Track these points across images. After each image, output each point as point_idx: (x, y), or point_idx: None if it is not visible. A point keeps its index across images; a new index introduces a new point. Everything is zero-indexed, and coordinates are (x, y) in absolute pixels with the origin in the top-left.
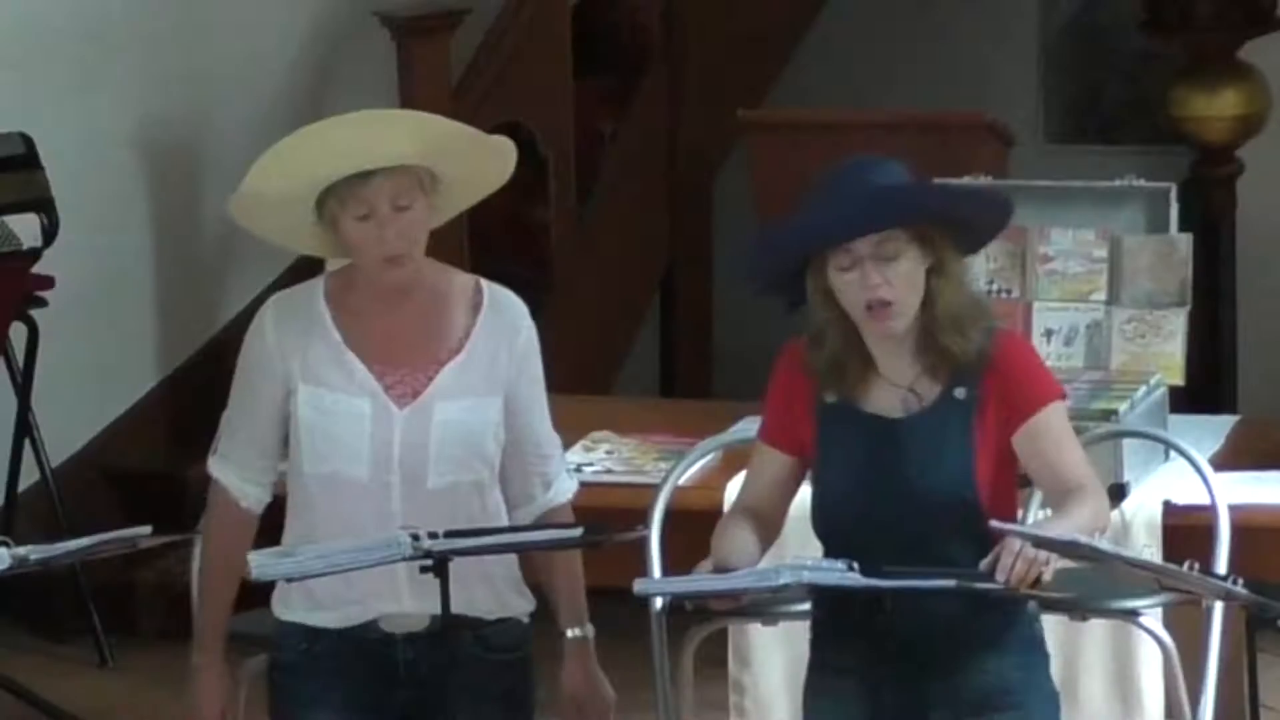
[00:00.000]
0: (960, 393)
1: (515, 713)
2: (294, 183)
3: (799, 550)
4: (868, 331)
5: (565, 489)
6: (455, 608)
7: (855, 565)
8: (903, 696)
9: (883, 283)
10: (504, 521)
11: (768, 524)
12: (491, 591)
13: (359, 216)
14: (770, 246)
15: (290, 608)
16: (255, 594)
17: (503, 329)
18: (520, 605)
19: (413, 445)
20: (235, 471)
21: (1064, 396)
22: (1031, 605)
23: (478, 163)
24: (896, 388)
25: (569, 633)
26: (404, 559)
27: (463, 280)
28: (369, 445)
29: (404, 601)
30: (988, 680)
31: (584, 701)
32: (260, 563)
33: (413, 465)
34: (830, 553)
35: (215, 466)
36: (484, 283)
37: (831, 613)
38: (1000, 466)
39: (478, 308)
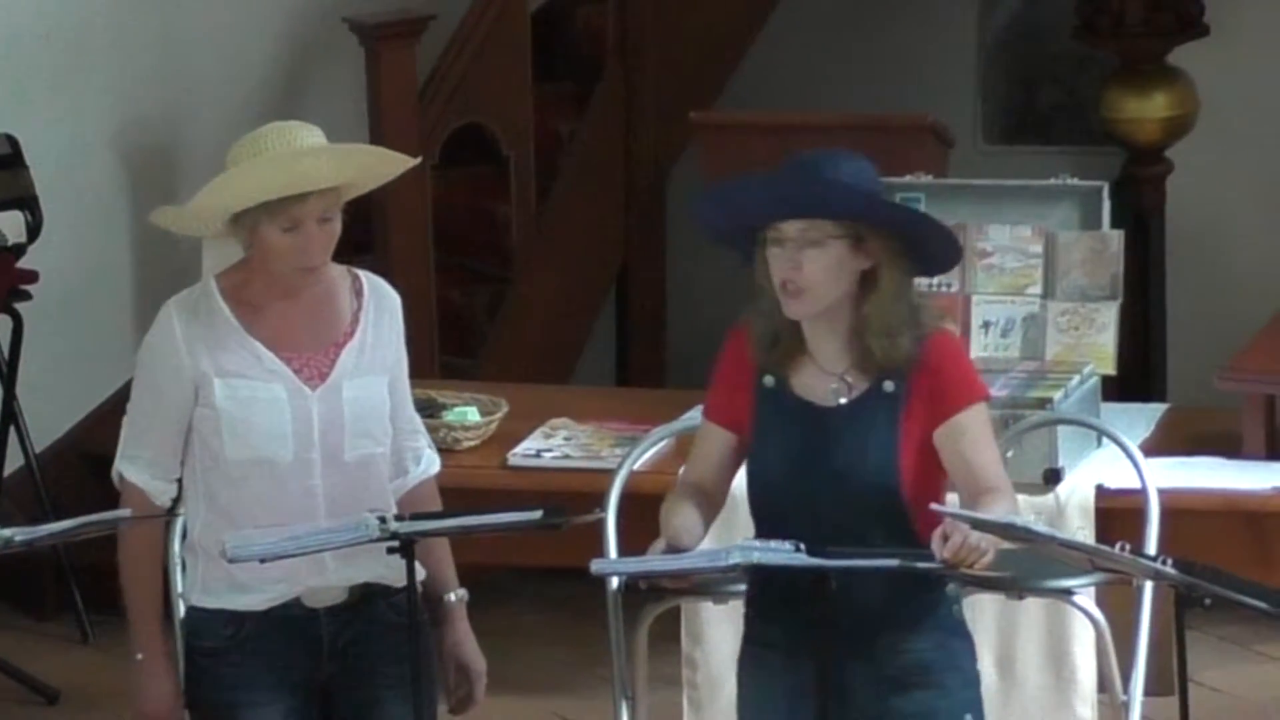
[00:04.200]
0: (889, 386)
1: (428, 671)
2: (234, 201)
3: (749, 527)
4: (783, 308)
5: (433, 463)
6: (369, 578)
7: (802, 546)
8: (823, 673)
9: (797, 267)
10: (388, 489)
11: (711, 499)
12: (397, 560)
13: (285, 228)
14: (712, 208)
15: (212, 594)
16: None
17: (385, 311)
18: (420, 573)
19: (330, 423)
20: (147, 471)
21: (988, 399)
22: (951, 589)
23: (379, 171)
24: (829, 375)
25: (449, 596)
26: (372, 540)
27: (339, 269)
28: (291, 427)
29: (328, 574)
30: (907, 659)
31: (465, 660)
32: (235, 545)
33: (331, 441)
34: (763, 532)
35: (127, 471)
36: (358, 271)
37: (761, 591)
38: (924, 460)
39: (360, 293)
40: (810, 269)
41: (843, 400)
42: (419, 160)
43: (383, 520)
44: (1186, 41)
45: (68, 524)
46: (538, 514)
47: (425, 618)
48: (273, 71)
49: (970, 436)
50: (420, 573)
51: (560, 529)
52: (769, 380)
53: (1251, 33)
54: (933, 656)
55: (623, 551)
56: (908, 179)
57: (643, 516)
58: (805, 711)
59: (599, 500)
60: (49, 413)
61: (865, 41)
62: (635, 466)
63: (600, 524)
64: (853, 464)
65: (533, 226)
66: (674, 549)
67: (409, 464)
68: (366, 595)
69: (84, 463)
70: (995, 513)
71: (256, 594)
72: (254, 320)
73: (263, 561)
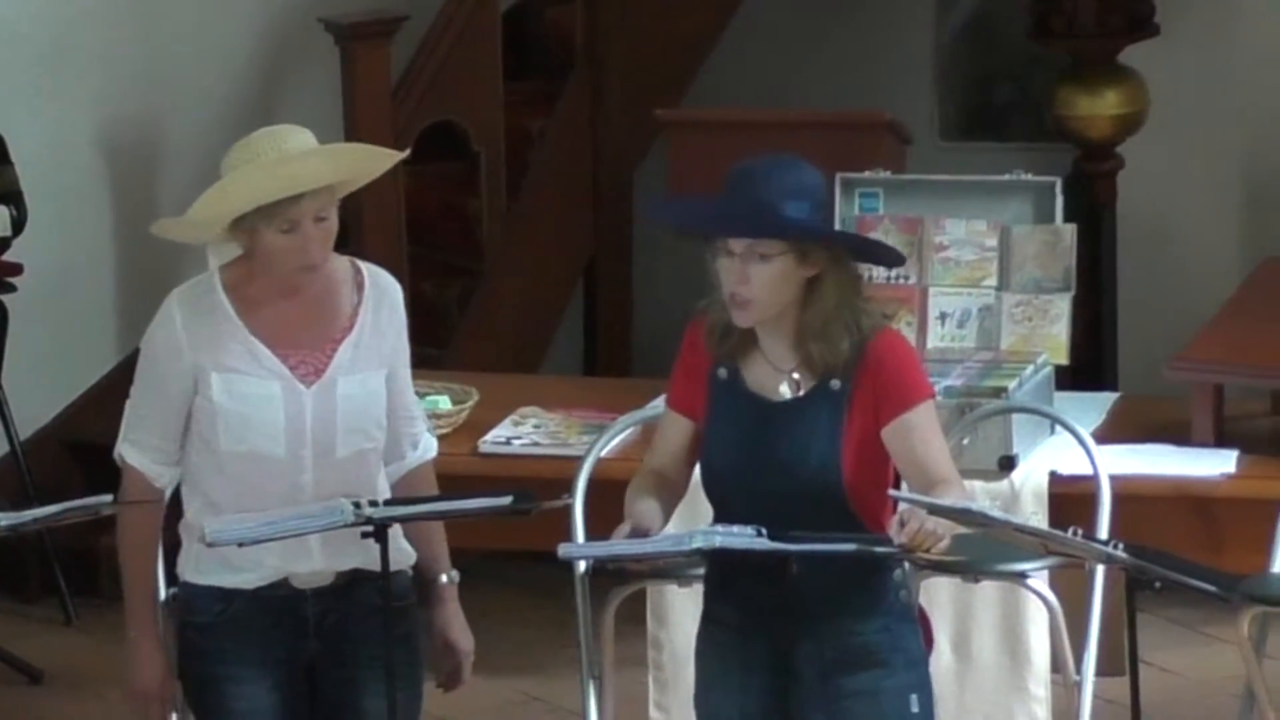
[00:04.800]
0: (835, 384)
1: (412, 654)
2: (231, 207)
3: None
4: (732, 317)
5: (430, 447)
6: (355, 564)
7: (764, 531)
8: (774, 651)
9: (744, 281)
10: (383, 478)
11: (671, 485)
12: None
13: (283, 230)
14: (671, 216)
15: (204, 572)
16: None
17: (385, 306)
18: (404, 559)
19: (322, 420)
20: (148, 455)
21: (934, 396)
22: (898, 574)
23: (370, 167)
24: (779, 372)
25: (442, 578)
26: (347, 525)
27: (342, 262)
28: (283, 423)
29: (314, 559)
30: (853, 641)
31: (453, 640)
32: (214, 530)
33: (323, 438)
34: (717, 518)
35: (128, 454)
36: (360, 263)
37: (717, 572)
38: (866, 455)
39: (361, 287)
40: (756, 282)
41: (790, 396)
42: (406, 154)
43: (357, 506)
44: (1137, 41)
45: (52, 509)
46: (507, 500)
47: (413, 601)
48: (250, 70)
49: (919, 433)
50: (410, 556)
51: (529, 514)
52: (722, 372)
53: (1200, 33)
54: (879, 639)
55: (590, 536)
56: (867, 174)
57: (610, 502)
58: (757, 687)
59: (567, 486)
60: (33, 402)
61: (825, 41)
62: (602, 454)
63: (568, 509)
64: (796, 457)
65: (503, 221)
66: (638, 533)
67: (406, 449)
68: (354, 579)
69: (67, 450)
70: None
71: (246, 573)
72: (254, 316)
73: (241, 545)
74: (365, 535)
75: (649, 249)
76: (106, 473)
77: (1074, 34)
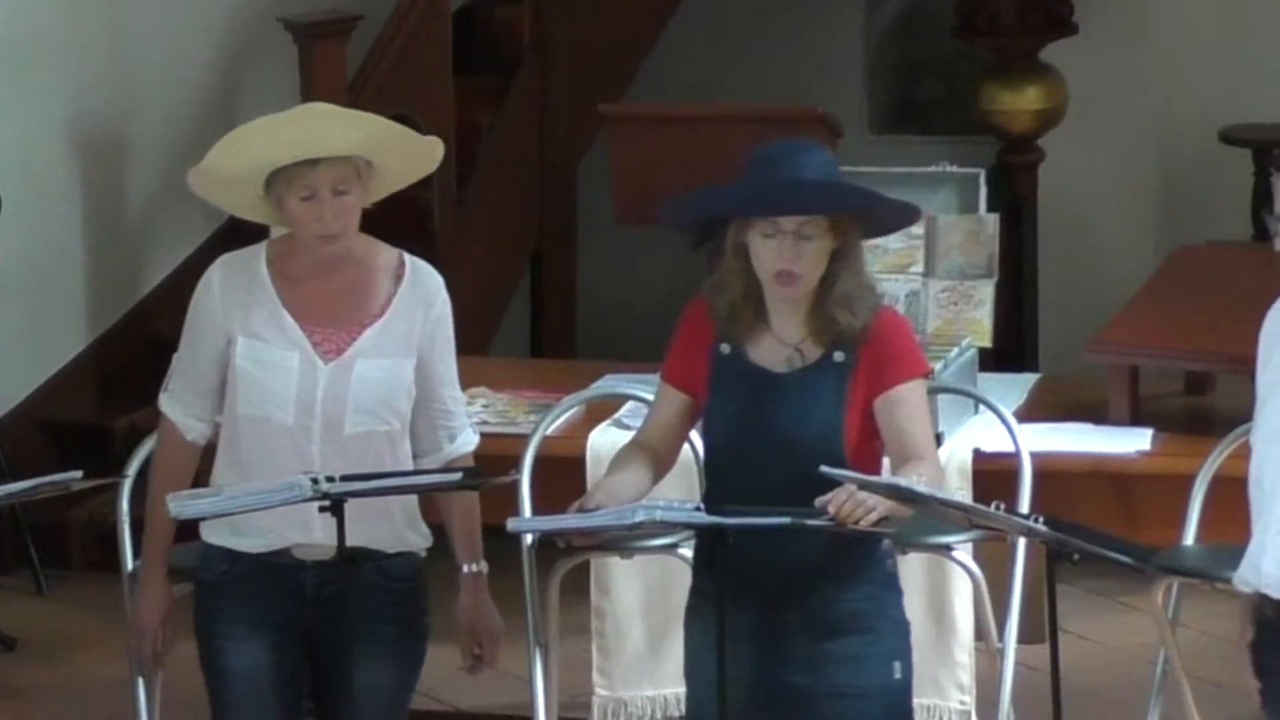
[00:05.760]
0: (839, 356)
1: (409, 634)
2: (248, 163)
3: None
4: (771, 293)
5: (467, 442)
6: (359, 542)
7: (702, 506)
8: (763, 620)
9: (795, 258)
10: (400, 463)
11: (659, 456)
12: (390, 528)
13: (303, 197)
14: (711, 199)
15: (216, 533)
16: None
17: (420, 299)
18: (416, 541)
19: (334, 396)
20: (180, 408)
21: (928, 375)
22: (885, 544)
23: (408, 156)
24: (784, 345)
25: (465, 568)
26: (304, 500)
27: (389, 254)
28: (295, 393)
29: (314, 534)
30: (841, 609)
31: (477, 630)
32: (178, 503)
33: (332, 413)
34: (716, 489)
35: (164, 403)
36: (408, 258)
37: (705, 545)
38: (867, 425)
39: (400, 279)
40: (806, 259)
41: (795, 367)
42: (437, 141)
43: (315, 481)
44: (1056, 39)
45: (24, 485)
46: (458, 475)
47: (420, 583)
48: (213, 68)
49: (906, 407)
50: (426, 539)
51: (479, 489)
52: (725, 347)
53: (1116, 32)
54: (866, 606)
55: (536, 511)
56: None
57: (555, 478)
58: (746, 654)
59: (514, 463)
60: (7, 383)
61: (761, 39)
62: (548, 432)
63: (515, 485)
64: (799, 426)
65: (453, 210)
66: (584, 510)
67: (443, 441)
68: (355, 556)
69: (39, 429)
70: (917, 476)
71: (251, 538)
72: (289, 290)
73: (201, 520)
74: (322, 510)
75: (593, 237)
76: (76, 450)
77: (997, 32)
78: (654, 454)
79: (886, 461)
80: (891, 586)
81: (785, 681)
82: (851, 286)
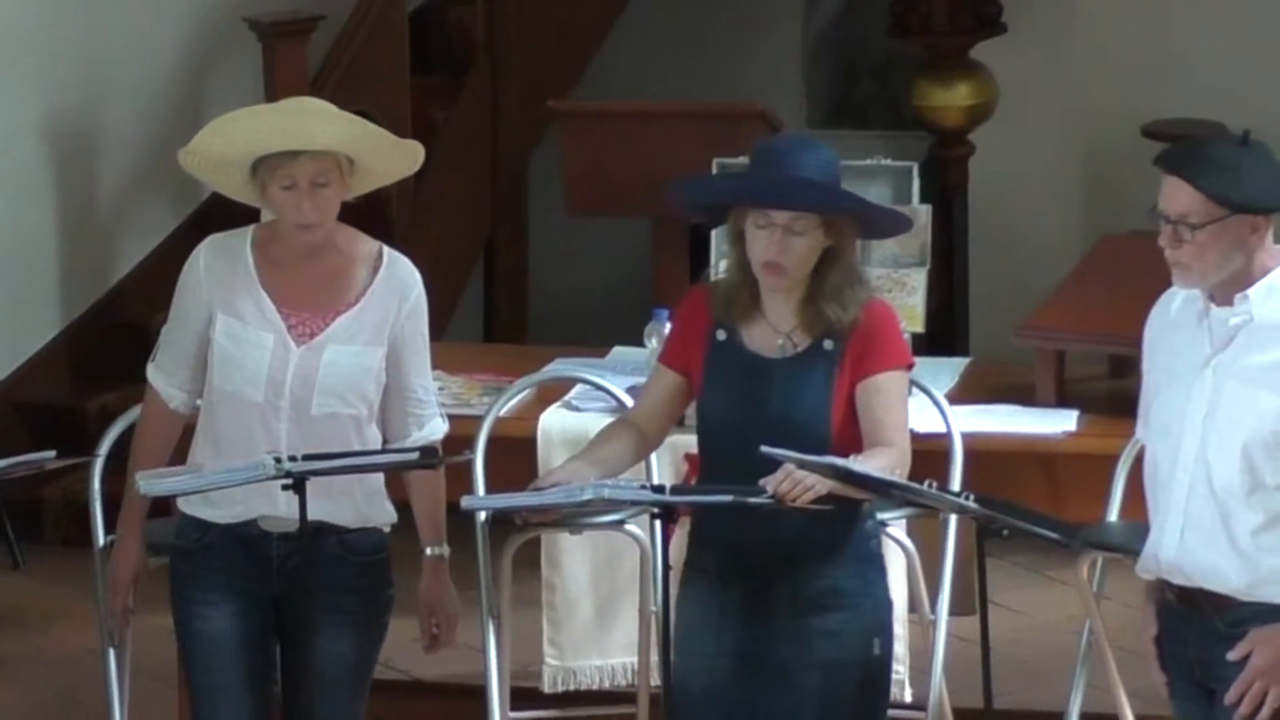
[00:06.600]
0: (829, 345)
1: (371, 606)
2: (234, 148)
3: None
4: (760, 281)
5: (435, 430)
6: (321, 517)
7: (649, 484)
8: (750, 594)
9: (783, 251)
10: (367, 444)
11: (644, 433)
12: (353, 505)
13: (284, 186)
14: (712, 186)
15: (190, 503)
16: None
17: (395, 290)
18: (379, 518)
19: (302, 377)
20: (165, 378)
21: (910, 367)
22: (870, 524)
23: (390, 156)
24: (777, 332)
25: (426, 550)
26: (267, 478)
27: (369, 246)
28: (266, 372)
29: (279, 506)
30: (825, 584)
31: (436, 611)
32: (148, 481)
33: (300, 394)
34: (710, 469)
35: (150, 372)
36: (387, 251)
37: (697, 523)
38: (853, 410)
39: (377, 270)
40: (793, 253)
41: (786, 354)
42: (417, 145)
43: (278, 460)
44: (986, 39)
45: (0, 463)
46: (414, 455)
47: (384, 556)
48: (180, 65)
49: (883, 396)
50: (390, 516)
51: (434, 468)
52: (721, 334)
53: (1043, 32)
54: (849, 583)
55: (489, 489)
56: (741, 159)
57: (508, 458)
58: (733, 627)
59: (469, 443)
60: None
61: (703, 38)
62: (501, 413)
63: (469, 464)
64: (789, 409)
65: (410, 202)
66: (538, 488)
67: (412, 428)
68: (319, 529)
69: (15, 410)
70: (878, 461)
71: (221, 509)
72: (270, 273)
73: (172, 497)
74: (285, 488)
75: (543, 227)
76: (50, 430)
77: (929, 32)
78: (640, 431)
79: None
80: (875, 565)
81: (770, 654)
82: (843, 283)
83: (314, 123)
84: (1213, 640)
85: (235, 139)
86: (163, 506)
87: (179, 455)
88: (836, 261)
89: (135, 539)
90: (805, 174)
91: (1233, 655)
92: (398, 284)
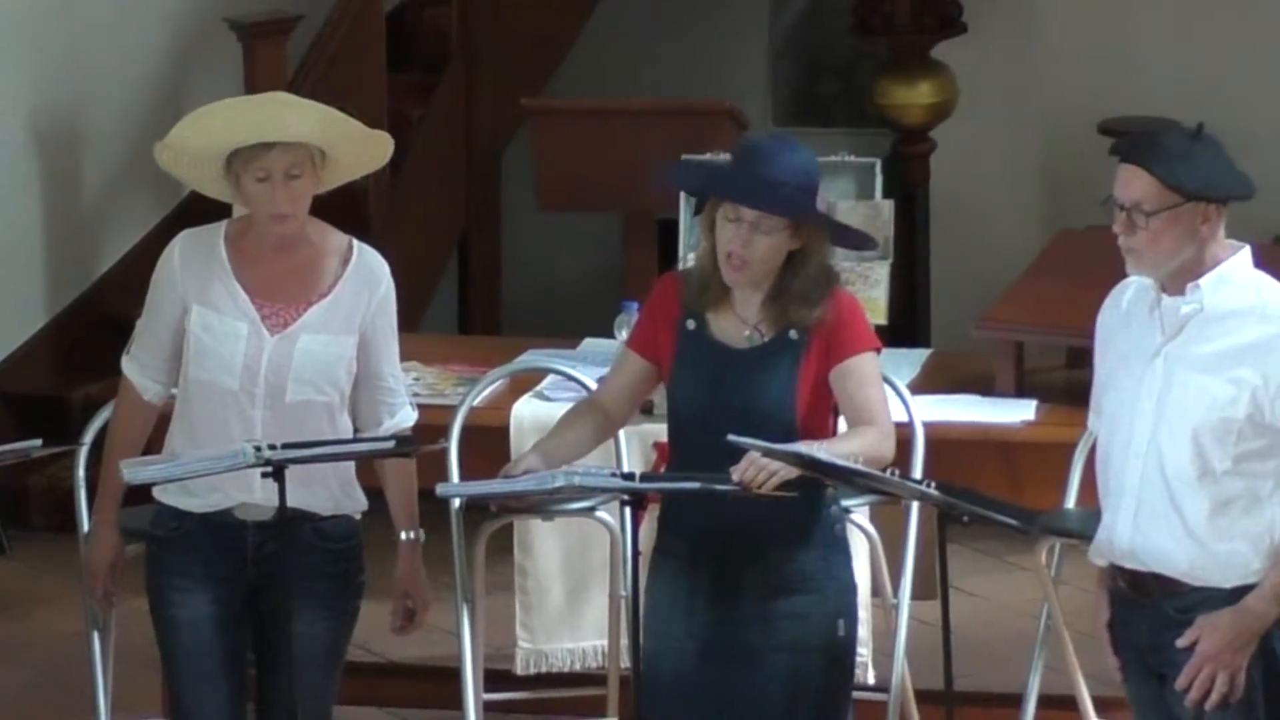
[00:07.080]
0: (794, 334)
1: (344, 591)
2: (209, 141)
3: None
4: (722, 272)
5: (406, 419)
6: (297, 504)
7: (618, 471)
8: (718, 578)
9: (745, 246)
10: (339, 432)
11: (609, 416)
12: (327, 493)
13: (258, 178)
14: (689, 175)
15: (167, 492)
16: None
17: (365, 281)
18: (352, 505)
19: (276, 366)
20: (139, 369)
21: (879, 350)
22: (834, 510)
23: (361, 148)
24: (744, 324)
25: (401, 535)
26: (248, 466)
27: (340, 239)
28: (241, 361)
29: (256, 495)
30: (791, 569)
31: (410, 594)
32: (131, 469)
33: (275, 382)
34: (680, 455)
35: (125, 364)
36: (357, 243)
37: (666, 509)
38: (817, 398)
39: (347, 262)
40: (757, 250)
41: (754, 344)
42: (387, 136)
43: (258, 449)
44: (947, 38)
45: None
46: (391, 443)
47: (357, 543)
48: (162, 64)
49: (857, 378)
50: (361, 503)
51: (410, 456)
52: (690, 323)
53: (1003, 31)
54: (814, 567)
55: (464, 476)
56: (708, 156)
57: (481, 446)
58: (702, 610)
59: (444, 432)
60: None
61: (672, 38)
62: (474, 403)
63: (444, 453)
64: (755, 398)
65: (386, 196)
66: (510, 476)
67: (383, 416)
68: (294, 517)
69: (0, 401)
70: (857, 440)
71: (197, 498)
72: (244, 265)
73: (153, 485)
74: (265, 475)
75: (516, 221)
76: (35, 420)
77: (892, 32)
78: (605, 413)
79: (843, 423)
80: (839, 549)
81: (738, 636)
82: (810, 286)
83: (288, 114)
84: (1162, 626)
85: (210, 132)
86: (139, 494)
87: (153, 447)
88: (806, 263)
89: (110, 527)
90: (780, 176)
91: (1181, 642)
92: (368, 275)
